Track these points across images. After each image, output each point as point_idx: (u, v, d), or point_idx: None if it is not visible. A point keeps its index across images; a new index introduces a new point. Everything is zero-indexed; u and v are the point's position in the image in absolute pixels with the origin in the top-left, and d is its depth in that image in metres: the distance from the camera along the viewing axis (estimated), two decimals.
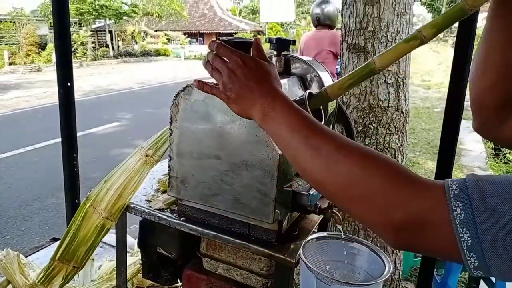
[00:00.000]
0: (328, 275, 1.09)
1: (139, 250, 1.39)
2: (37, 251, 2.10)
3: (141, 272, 1.71)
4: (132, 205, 1.21)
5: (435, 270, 3.24)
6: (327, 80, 1.35)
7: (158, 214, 1.17)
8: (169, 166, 1.10)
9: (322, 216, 1.24)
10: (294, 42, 1.33)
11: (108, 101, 10.76)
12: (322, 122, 1.16)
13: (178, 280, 1.43)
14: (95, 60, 21.87)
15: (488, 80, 0.76)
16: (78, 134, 2.23)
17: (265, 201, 1.01)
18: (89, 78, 14.98)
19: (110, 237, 1.53)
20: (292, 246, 1.07)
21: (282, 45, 1.30)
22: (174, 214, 1.17)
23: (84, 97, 11.04)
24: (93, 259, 1.83)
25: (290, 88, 1.25)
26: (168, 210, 1.20)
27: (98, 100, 10.83)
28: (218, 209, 1.09)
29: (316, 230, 1.47)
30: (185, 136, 1.06)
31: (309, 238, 1.19)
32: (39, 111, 9.10)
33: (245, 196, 1.03)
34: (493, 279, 2.98)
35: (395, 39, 2.30)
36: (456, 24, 1.22)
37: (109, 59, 22.74)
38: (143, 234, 1.33)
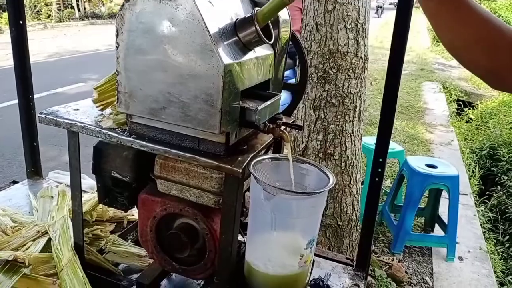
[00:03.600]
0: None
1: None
2: None
3: (100, 206, 1.73)
4: (81, 124, 1.21)
5: (392, 215, 3.40)
6: None
7: (109, 133, 1.18)
8: (116, 81, 1.10)
9: (272, 136, 1.28)
10: None
11: (74, 63, 10.38)
12: (271, 41, 1.18)
13: (135, 207, 1.46)
14: (60, 22, 20.84)
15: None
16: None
17: (211, 112, 1.03)
18: (54, 40, 14.33)
19: None
20: (239, 158, 1.11)
21: None
22: (125, 133, 1.19)
23: (48, 59, 10.62)
24: (51, 196, 1.84)
25: (242, 6, 1.25)
26: (119, 129, 1.21)
27: (64, 62, 10.43)
28: (167, 123, 1.10)
29: (272, 151, 1.52)
30: (131, 49, 1.05)
31: (261, 157, 1.23)
32: (1, 73, 8.72)
33: (192, 108, 1.05)
34: (445, 221, 3.15)
35: None
36: None
37: (75, 21, 21.74)
38: (96, 159, 1.34)
